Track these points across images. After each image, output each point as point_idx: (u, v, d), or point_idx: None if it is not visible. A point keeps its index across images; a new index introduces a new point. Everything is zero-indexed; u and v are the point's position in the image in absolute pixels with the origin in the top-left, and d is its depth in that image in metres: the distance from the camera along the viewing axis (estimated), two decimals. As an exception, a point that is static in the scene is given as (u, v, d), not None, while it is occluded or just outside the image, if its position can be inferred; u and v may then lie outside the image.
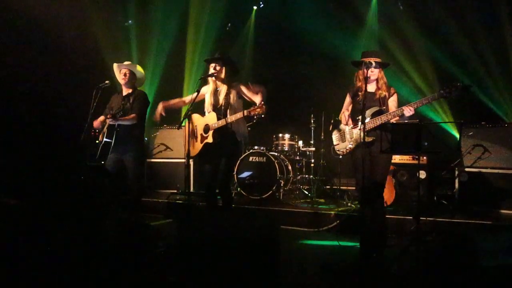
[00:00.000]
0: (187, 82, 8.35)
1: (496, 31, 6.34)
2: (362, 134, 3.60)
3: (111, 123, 4.79)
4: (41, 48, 6.46)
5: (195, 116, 4.44)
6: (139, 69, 5.13)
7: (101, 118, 5.04)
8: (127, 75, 5.03)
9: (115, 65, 5.14)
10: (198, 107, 4.45)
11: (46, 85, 6.49)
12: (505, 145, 5.28)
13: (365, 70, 3.68)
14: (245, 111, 4.02)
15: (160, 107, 4.52)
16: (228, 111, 4.21)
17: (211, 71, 4.27)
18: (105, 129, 4.91)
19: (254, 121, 4.08)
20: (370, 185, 3.75)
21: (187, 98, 4.59)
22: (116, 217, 3.64)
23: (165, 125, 7.29)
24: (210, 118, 4.24)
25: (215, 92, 4.35)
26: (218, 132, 4.19)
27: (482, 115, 6.08)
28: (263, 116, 3.95)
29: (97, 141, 5.04)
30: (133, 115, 4.80)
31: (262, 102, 3.96)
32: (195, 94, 4.23)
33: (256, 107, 3.94)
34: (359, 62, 3.88)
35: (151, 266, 3.42)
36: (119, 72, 5.06)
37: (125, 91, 5.06)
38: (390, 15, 7.37)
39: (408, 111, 3.60)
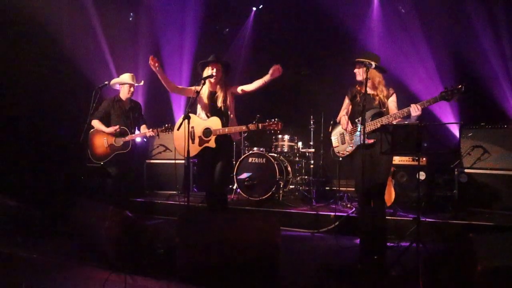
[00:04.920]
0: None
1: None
2: (362, 136, 3.59)
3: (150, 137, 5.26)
4: (41, 49, 6.46)
5: (192, 117, 4.32)
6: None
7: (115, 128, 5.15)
8: (133, 90, 5.30)
9: (128, 77, 5.23)
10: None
11: (45, 86, 6.49)
12: (504, 146, 5.28)
13: (365, 71, 3.67)
14: (260, 125, 3.99)
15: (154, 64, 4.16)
16: (228, 115, 4.21)
17: (209, 72, 4.21)
18: (128, 138, 5.12)
19: (268, 133, 4.10)
20: (371, 187, 3.74)
21: (181, 88, 4.49)
22: (118, 217, 3.62)
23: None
24: (214, 123, 4.19)
25: (212, 95, 4.31)
26: (220, 137, 4.18)
27: (485, 115, 6.03)
28: (278, 132, 3.99)
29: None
30: (144, 126, 5.30)
31: (277, 119, 3.98)
32: (196, 94, 4.19)
33: (271, 122, 3.95)
34: (356, 62, 3.88)
35: (150, 268, 3.41)
36: (129, 86, 5.24)
37: (128, 102, 5.32)
38: (391, 17, 7.36)
39: (415, 110, 3.54)
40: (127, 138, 5.12)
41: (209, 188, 4.38)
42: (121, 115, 5.23)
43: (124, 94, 5.25)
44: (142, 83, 5.41)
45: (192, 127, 4.29)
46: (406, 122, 3.69)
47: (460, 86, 3.41)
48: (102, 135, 5.20)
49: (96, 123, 5.20)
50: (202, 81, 4.17)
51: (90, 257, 3.63)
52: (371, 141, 3.75)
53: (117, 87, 5.31)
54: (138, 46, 8.18)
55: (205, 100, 4.31)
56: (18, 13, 6.07)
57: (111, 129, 5.13)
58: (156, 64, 4.11)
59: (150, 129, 5.08)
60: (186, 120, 3.95)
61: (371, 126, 3.75)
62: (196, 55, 8.16)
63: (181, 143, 4.28)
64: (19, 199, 4.38)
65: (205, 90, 4.31)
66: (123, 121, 5.22)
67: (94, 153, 5.25)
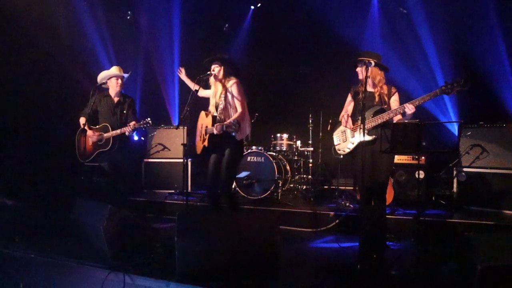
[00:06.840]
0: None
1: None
2: (362, 133, 3.59)
3: (129, 134, 4.94)
4: (37, 48, 6.43)
5: (201, 114, 4.41)
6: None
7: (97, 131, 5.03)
8: (121, 82, 5.10)
9: (115, 70, 5.10)
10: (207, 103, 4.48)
11: (43, 85, 6.47)
12: (503, 145, 5.28)
13: (365, 70, 3.68)
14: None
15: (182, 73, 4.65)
16: (227, 112, 4.20)
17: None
18: (108, 135, 4.93)
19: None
20: (372, 185, 3.74)
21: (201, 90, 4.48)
22: (117, 216, 3.62)
23: (162, 125, 7.27)
24: (208, 121, 4.22)
25: (215, 94, 4.33)
26: (214, 136, 4.13)
27: (484, 114, 6.01)
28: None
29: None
30: (134, 122, 4.94)
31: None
32: (195, 92, 4.23)
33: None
34: (357, 61, 3.89)
35: (150, 267, 3.41)
36: (116, 79, 5.07)
37: (116, 97, 5.13)
38: (391, 16, 7.35)
39: (409, 108, 3.59)
40: (107, 134, 4.95)
41: (208, 187, 4.37)
42: (107, 111, 5.07)
43: (112, 87, 5.07)
44: (130, 73, 5.21)
45: (201, 124, 4.36)
46: (406, 121, 3.70)
47: (460, 79, 3.45)
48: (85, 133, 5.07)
49: (81, 121, 5.07)
50: (196, 80, 4.26)
51: (90, 257, 3.62)
52: (371, 137, 3.76)
53: (107, 84, 5.10)
54: (136, 44, 8.16)
55: (212, 98, 4.35)
56: (16, 13, 6.04)
57: (90, 132, 5.00)
58: (183, 72, 4.60)
59: (128, 125, 4.90)
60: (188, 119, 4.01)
61: (371, 122, 3.76)
62: (195, 54, 8.12)
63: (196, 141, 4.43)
64: (19, 199, 4.36)
65: (213, 88, 4.36)
66: (109, 117, 5.05)
67: (80, 152, 5.13)
